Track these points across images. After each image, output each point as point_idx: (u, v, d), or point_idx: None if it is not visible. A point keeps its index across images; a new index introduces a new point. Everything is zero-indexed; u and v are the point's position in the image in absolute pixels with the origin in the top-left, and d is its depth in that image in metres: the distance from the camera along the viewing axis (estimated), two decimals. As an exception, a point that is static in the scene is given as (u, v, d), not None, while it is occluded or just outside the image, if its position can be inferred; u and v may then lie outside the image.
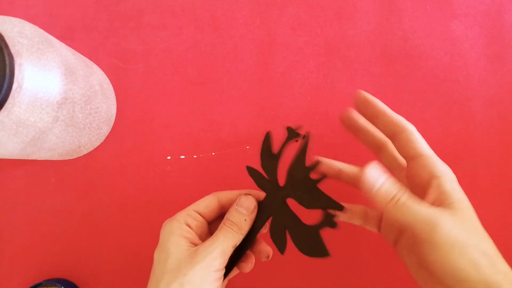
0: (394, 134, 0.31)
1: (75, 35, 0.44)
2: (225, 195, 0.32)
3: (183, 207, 0.32)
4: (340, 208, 0.28)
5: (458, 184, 0.28)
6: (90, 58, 0.42)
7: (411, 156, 0.30)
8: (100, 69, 0.42)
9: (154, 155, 0.43)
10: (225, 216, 0.30)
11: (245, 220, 0.30)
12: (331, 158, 0.43)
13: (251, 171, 0.31)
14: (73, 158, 0.42)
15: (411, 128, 0.30)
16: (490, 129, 0.43)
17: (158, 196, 0.42)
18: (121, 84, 0.43)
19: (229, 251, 0.28)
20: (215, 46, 0.44)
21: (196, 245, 0.29)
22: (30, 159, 0.38)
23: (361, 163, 0.42)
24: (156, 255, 0.29)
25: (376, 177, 0.27)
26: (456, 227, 0.25)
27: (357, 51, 0.44)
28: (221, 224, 0.30)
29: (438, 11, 0.44)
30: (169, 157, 0.42)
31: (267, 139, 0.31)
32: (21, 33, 0.29)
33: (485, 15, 0.44)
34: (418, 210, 0.25)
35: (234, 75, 0.44)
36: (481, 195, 0.42)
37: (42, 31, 0.31)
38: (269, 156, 0.31)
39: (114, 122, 0.43)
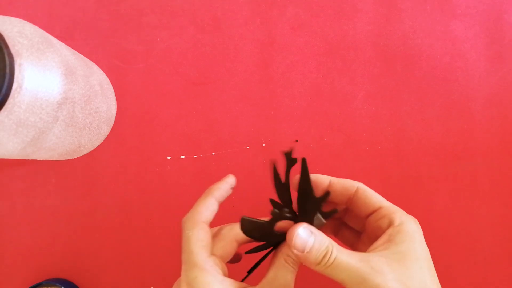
0: (348, 197, 0.30)
1: (75, 35, 0.44)
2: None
3: (183, 207, 0.32)
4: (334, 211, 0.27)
5: (420, 234, 0.27)
6: (90, 58, 0.42)
7: (370, 211, 0.29)
8: (100, 69, 0.42)
9: (154, 155, 0.43)
10: (285, 252, 0.27)
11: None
12: (331, 158, 0.43)
13: (274, 203, 0.29)
14: (73, 158, 0.42)
15: (361, 186, 0.29)
16: (490, 129, 0.43)
17: (158, 196, 0.42)
18: (121, 84, 0.43)
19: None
20: (215, 46, 0.44)
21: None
22: (30, 159, 0.38)
23: (361, 163, 0.42)
24: None
25: (305, 239, 0.25)
26: (388, 277, 0.23)
27: (357, 51, 0.44)
28: (283, 262, 0.26)
29: (438, 11, 0.44)
30: (169, 157, 0.43)
31: (275, 171, 0.29)
32: (21, 33, 0.29)
33: (485, 15, 0.44)
34: (347, 265, 0.24)
35: (234, 75, 0.44)
36: (481, 195, 0.42)
37: (42, 31, 0.31)
38: (280, 187, 0.29)
39: (114, 122, 0.43)
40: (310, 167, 0.42)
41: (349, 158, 0.43)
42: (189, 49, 0.44)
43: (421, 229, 0.27)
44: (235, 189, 0.33)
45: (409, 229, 0.26)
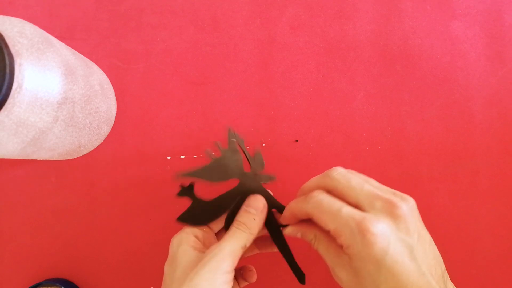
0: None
1: (75, 35, 0.44)
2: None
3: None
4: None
5: (368, 253, 0.25)
6: (90, 58, 0.42)
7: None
8: (100, 69, 0.42)
9: (154, 155, 0.43)
10: (235, 218, 0.31)
11: (254, 219, 0.30)
12: (331, 158, 0.43)
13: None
14: (73, 158, 0.42)
15: (310, 210, 0.29)
16: (490, 129, 0.43)
17: (158, 196, 0.42)
18: (121, 84, 0.43)
19: (238, 252, 0.28)
20: (215, 46, 0.44)
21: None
22: (30, 159, 0.38)
23: (361, 163, 0.42)
24: (166, 268, 0.29)
25: (293, 234, 0.31)
26: (348, 275, 0.26)
27: (357, 51, 0.44)
28: (231, 226, 0.30)
29: (438, 11, 0.44)
30: (169, 157, 0.42)
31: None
32: (21, 33, 0.29)
33: (485, 15, 0.44)
34: (324, 253, 0.28)
35: (234, 75, 0.44)
36: (481, 195, 0.42)
37: (42, 31, 0.31)
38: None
39: (114, 122, 0.43)
40: (310, 166, 0.42)
41: (349, 158, 0.43)
42: (189, 49, 0.44)
43: (370, 243, 0.25)
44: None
45: (354, 253, 0.25)
